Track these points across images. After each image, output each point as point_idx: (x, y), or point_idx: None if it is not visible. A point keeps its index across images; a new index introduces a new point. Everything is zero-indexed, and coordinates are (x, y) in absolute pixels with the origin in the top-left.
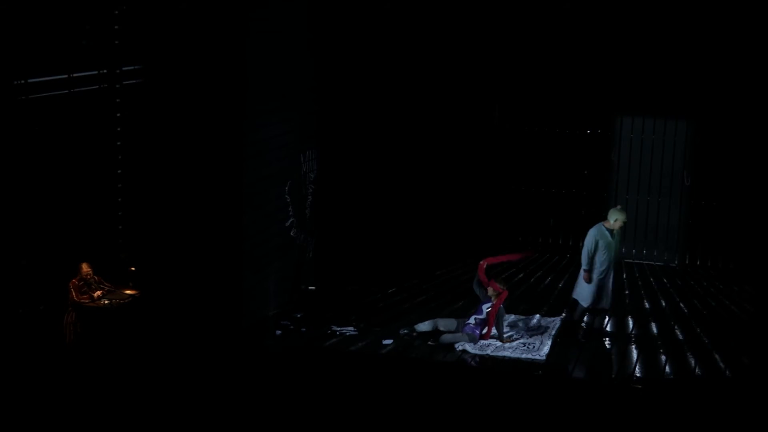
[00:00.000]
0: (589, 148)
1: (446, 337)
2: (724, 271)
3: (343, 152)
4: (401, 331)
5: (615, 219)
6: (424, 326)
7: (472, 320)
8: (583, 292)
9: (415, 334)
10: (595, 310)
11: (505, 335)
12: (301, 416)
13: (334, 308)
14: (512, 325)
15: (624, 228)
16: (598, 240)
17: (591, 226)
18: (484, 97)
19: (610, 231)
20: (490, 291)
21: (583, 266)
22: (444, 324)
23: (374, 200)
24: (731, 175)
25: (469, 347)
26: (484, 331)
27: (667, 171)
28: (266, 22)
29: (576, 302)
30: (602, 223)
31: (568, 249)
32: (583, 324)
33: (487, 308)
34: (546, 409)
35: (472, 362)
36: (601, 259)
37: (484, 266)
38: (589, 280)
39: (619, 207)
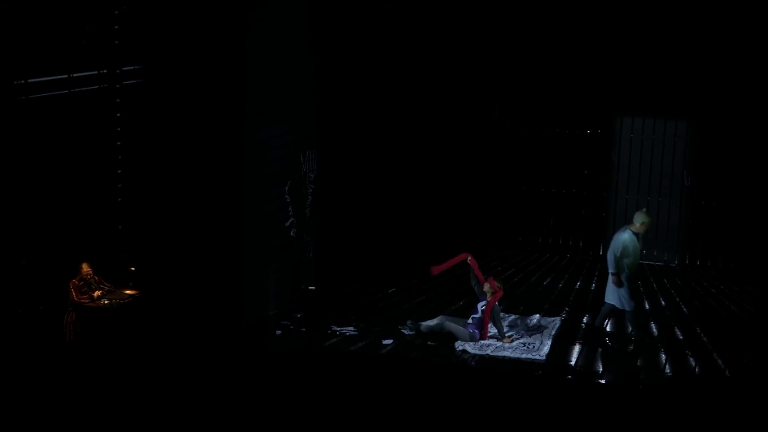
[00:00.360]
0: (589, 148)
1: (450, 326)
2: (724, 271)
3: (343, 152)
4: (407, 323)
5: (642, 222)
6: (429, 324)
7: (470, 320)
8: (624, 298)
9: (414, 331)
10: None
11: (505, 335)
12: (301, 416)
13: (334, 308)
14: (512, 325)
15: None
16: (627, 245)
17: (591, 226)
18: (484, 97)
19: (636, 234)
20: (486, 287)
21: (611, 270)
22: (448, 321)
23: (374, 200)
24: (731, 175)
25: (469, 347)
26: (483, 329)
27: (667, 171)
28: (266, 22)
29: (623, 311)
30: (628, 226)
31: (568, 249)
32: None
33: (482, 306)
34: (546, 409)
35: (472, 362)
36: (628, 262)
37: (475, 262)
38: (620, 284)
39: (644, 210)
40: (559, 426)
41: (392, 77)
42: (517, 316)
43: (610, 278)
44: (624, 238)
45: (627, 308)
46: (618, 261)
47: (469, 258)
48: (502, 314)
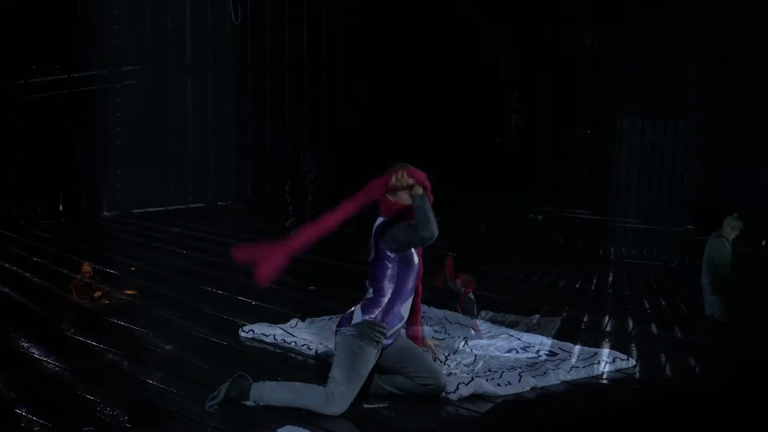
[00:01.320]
0: (589, 148)
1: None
2: None
3: (343, 152)
4: None
5: (732, 227)
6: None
7: None
8: (711, 304)
9: None
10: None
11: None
12: (300, 416)
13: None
14: (512, 325)
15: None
16: (723, 253)
17: (591, 227)
18: (484, 96)
19: (727, 240)
20: (459, 283)
21: (708, 280)
22: None
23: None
24: (730, 175)
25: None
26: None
27: (667, 171)
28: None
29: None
30: (720, 233)
31: (568, 249)
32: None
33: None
34: (546, 410)
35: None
36: (723, 271)
37: (449, 268)
38: (718, 293)
39: (735, 215)
40: (559, 426)
41: (392, 78)
42: (517, 316)
43: (708, 289)
44: (721, 245)
45: (708, 313)
46: (715, 270)
47: (448, 263)
48: (502, 314)
